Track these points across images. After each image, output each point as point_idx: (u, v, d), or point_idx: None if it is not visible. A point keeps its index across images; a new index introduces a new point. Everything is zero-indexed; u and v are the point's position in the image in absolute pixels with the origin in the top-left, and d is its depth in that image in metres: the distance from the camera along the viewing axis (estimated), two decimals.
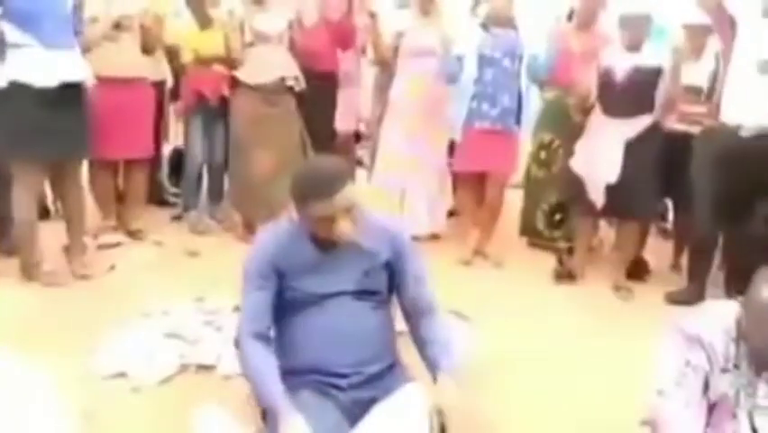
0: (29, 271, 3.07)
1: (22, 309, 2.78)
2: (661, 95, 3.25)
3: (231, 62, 3.77)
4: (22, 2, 2.78)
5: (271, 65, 3.74)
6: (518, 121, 3.63)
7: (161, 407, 2.14)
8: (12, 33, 2.78)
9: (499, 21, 3.55)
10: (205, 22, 3.87)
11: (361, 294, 1.74)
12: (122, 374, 2.31)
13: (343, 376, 1.69)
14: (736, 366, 1.32)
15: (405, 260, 1.82)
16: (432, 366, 1.75)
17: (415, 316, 1.85)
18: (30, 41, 2.80)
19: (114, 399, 2.17)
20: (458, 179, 3.97)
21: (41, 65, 2.81)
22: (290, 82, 3.80)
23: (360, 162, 5.09)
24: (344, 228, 1.64)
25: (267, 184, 3.71)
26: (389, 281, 1.82)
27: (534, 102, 3.95)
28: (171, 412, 2.09)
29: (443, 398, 1.62)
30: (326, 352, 1.70)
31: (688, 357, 1.34)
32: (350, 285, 1.73)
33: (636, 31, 3.24)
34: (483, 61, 3.53)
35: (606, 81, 3.32)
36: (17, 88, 2.79)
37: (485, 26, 3.55)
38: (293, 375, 1.72)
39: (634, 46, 3.26)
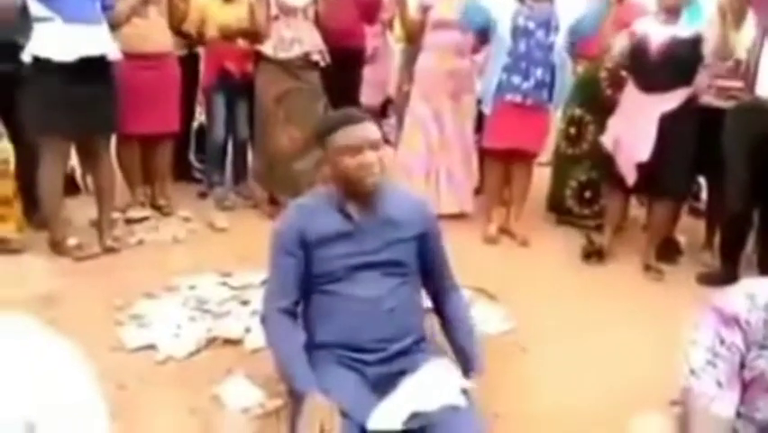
0: (57, 245, 3.11)
1: (52, 282, 2.82)
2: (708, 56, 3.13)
3: (256, 36, 3.74)
4: None
5: (297, 39, 3.70)
6: (551, 96, 3.54)
7: (189, 379, 2.16)
8: (36, 8, 2.79)
9: None
10: None
11: (389, 265, 1.73)
12: (150, 347, 2.33)
13: (370, 351, 1.68)
14: None
15: (433, 237, 1.83)
16: (460, 354, 1.79)
17: (440, 294, 1.87)
18: (52, 16, 2.79)
19: (142, 371, 2.20)
20: (485, 156, 3.92)
21: (62, 40, 2.80)
22: (315, 57, 3.77)
23: (386, 139, 5.06)
24: (370, 159, 1.65)
25: (291, 159, 3.70)
26: (417, 257, 1.81)
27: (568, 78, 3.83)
28: (198, 385, 2.12)
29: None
30: (353, 327, 1.70)
31: (723, 336, 1.30)
32: (377, 256, 1.71)
33: None
34: (517, 32, 3.43)
35: (640, 53, 3.21)
36: (41, 63, 2.80)
37: None
38: (319, 349, 1.72)
39: (673, 10, 3.15)
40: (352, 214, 1.72)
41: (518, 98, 3.47)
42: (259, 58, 3.76)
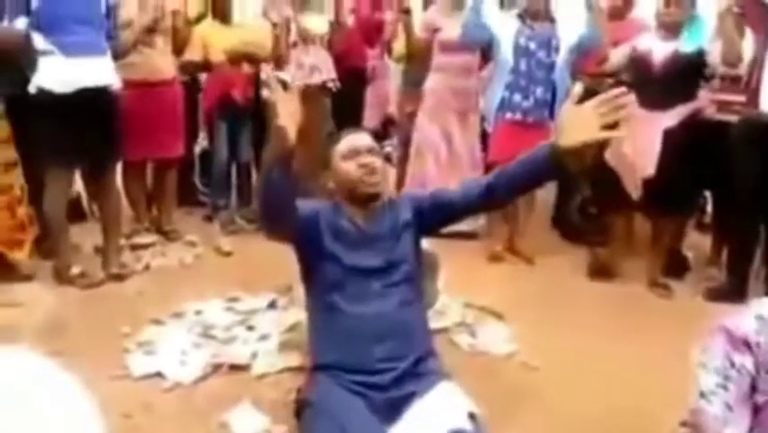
0: (61, 274, 3.11)
1: (58, 310, 2.82)
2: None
3: (260, 60, 3.79)
4: (47, 8, 2.80)
5: (316, 67, 3.79)
6: (552, 114, 3.56)
7: (195, 407, 2.15)
8: (39, 41, 2.81)
9: (537, 14, 3.48)
10: (225, 18, 3.90)
11: (390, 270, 1.77)
12: (156, 374, 2.32)
13: (378, 373, 1.68)
14: None
15: (427, 198, 1.86)
16: (539, 149, 1.59)
17: (486, 191, 1.72)
18: (52, 48, 2.82)
19: (149, 399, 2.18)
20: (487, 171, 3.92)
21: (61, 72, 2.83)
22: (329, 84, 3.85)
23: (388, 158, 5.07)
24: (368, 159, 1.78)
25: (300, 184, 3.73)
26: (434, 219, 1.84)
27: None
28: (205, 412, 2.10)
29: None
30: (357, 349, 1.71)
31: (733, 359, 1.29)
32: (378, 260, 1.76)
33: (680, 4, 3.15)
34: (518, 52, 3.46)
35: (643, 69, 3.22)
36: (44, 95, 2.82)
37: (522, 17, 3.49)
38: (325, 371, 1.73)
39: (672, 27, 3.17)
40: (359, 222, 1.79)
41: (519, 116, 3.49)
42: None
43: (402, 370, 1.69)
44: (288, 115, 1.56)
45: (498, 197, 1.72)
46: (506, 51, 3.48)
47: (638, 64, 3.26)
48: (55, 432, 1.00)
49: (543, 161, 1.56)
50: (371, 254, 1.76)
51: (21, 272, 3.10)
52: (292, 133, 1.56)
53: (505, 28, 3.48)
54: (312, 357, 1.87)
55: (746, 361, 1.28)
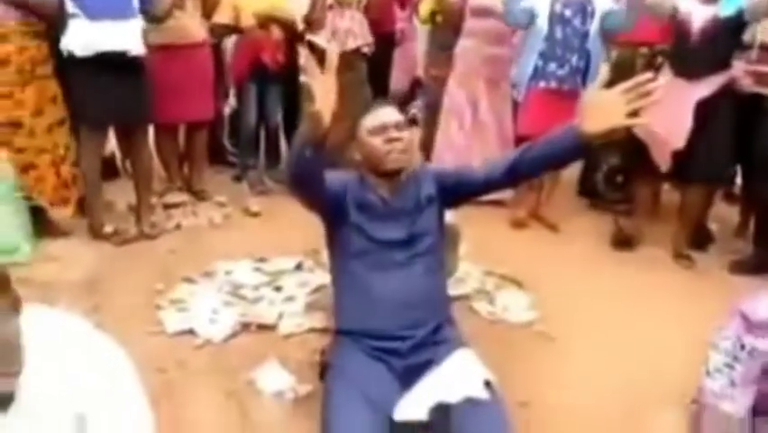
0: (95, 231, 3.23)
1: (92, 267, 2.93)
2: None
3: (289, 26, 3.79)
4: None
5: (351, 32, 3.77)
6: (584, 82, 3.51)
7: (225, 364, 2.25)
8: (68, 4, 2.86)
9: None
10: None
11: (413, 242, 1.81)
12: (188, 332, 2.42)
13: (397, 339, 1.74)
14: None
15: (452, 175, 1.89)
16: (565, 132, 1.63)
17: (511, 169, 1.75)
18: (78, 12, 2.86)
19: (182, 355, 2.28)
20: (518, 142, 3.90)
21: (83, 35, 2.87)
22: (364, 49, 3.83)
23: (414, 120, 5.06)
24: (394, 135, 1.79)
25: (335, 150, 3.75)
26: (458, 195, 1.88)
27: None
28: (234, 369, 2.20)
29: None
30: (379, 316, 1.76)
31: (744, 342, 1.32)
32: (402, 232, 1.81)
33: None
34: (554, 19, 3.41)
35: (682, 35, 3.14)
36: (73, 57, 2.89)
37: None
38: (347, 336, 1.80)
39: None
40: (384, 195, 1.82)
41: (554, 84, 3.45)
42: (311, 48, 3.81)
43: (420, 337, 1.75)
44: (323, 97, 1.55)
45: (522, 174, 1.77)
46: (540, 19, 3.43)
47: (677, 30, 3.18)
48: (94, 389, 1.09)
49: (569, 144, 1.61)
50: (396, 227, 1.81)
51: (59, 229, 3.23)
52: (327, 116, 1.55)
53: None
54: (335, 320, 1.94)
55: (759, 344, 1.31)
